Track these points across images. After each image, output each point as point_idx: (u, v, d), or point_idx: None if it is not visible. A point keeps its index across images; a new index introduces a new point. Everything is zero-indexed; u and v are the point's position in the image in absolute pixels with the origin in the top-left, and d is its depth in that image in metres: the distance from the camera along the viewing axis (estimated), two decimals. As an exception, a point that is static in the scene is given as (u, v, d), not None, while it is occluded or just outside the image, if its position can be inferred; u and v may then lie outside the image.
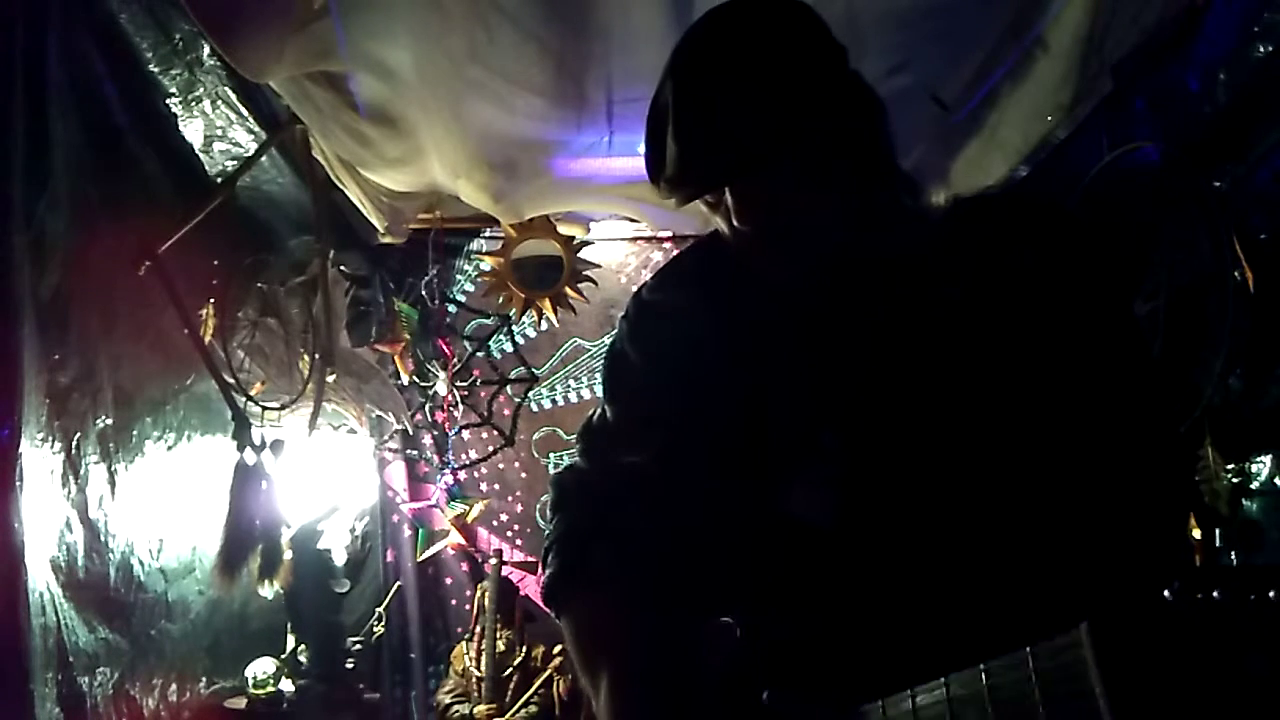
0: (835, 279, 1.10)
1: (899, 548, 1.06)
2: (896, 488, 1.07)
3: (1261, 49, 1.70)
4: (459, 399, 3.65)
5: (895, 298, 1.08)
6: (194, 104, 2.29)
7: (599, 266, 3.63)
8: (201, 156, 2.44)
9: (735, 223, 1.08)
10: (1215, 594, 0.67)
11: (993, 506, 1.03)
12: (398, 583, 3.61)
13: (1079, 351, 1.05)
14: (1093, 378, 1.04)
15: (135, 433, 2.27)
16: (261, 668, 2.86)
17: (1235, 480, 1.77)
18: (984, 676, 0.84)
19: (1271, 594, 0.65)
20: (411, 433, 3.72)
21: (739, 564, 1.16)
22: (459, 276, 3.76)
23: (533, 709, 3.20)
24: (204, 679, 2.63)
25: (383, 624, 3.46)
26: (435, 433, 3.71)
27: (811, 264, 1.09)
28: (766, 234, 1.08)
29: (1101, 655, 0.71)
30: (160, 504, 2.35)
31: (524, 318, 3.64)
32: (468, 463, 3.71)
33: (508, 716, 3.19)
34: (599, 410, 1.28)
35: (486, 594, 3.35)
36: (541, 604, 1.25)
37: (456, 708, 3.25)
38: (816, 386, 1.11)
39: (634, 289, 1.33)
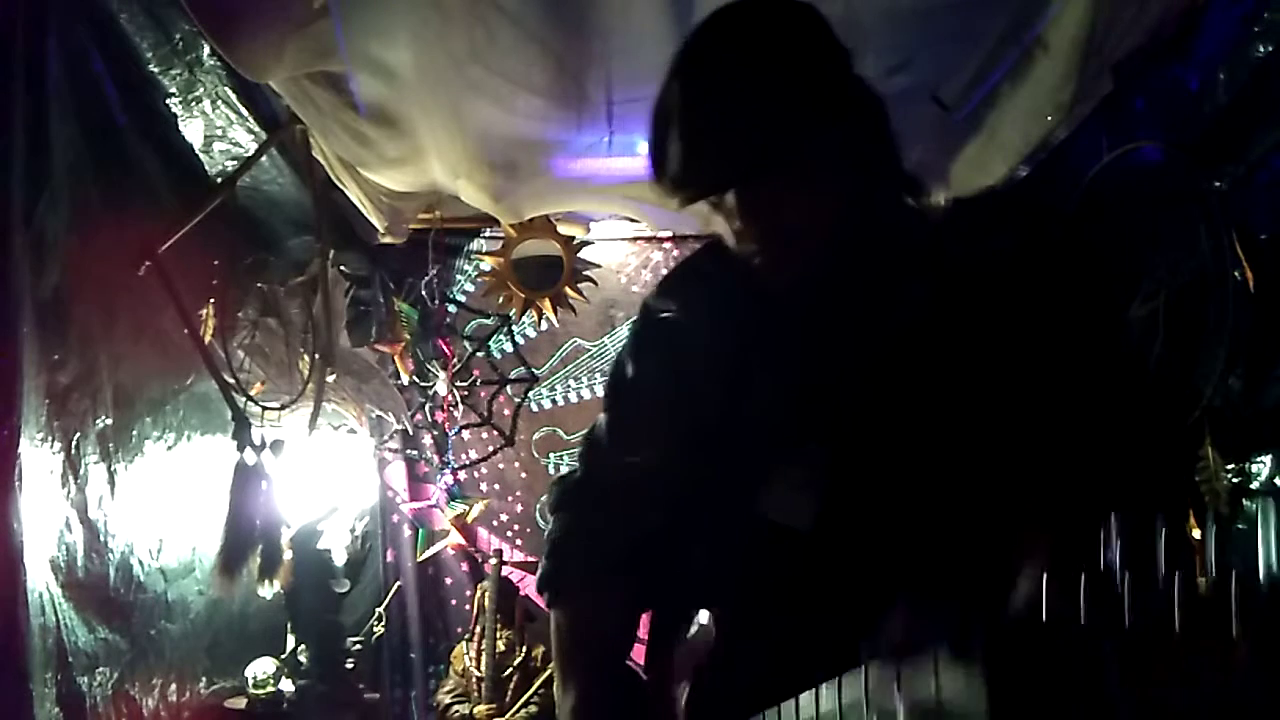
0: (832, 286, 1.10)
1: (876, 552, 1.07)
2: (877, 494, 1.08)
3: (1261, 49, 1.70)
4: (459, 399, 3.65)
5: (887, 306, 1.08)
6: (194, 104, 2.28)
7: (599, 266, 3.63)
8: (201, 156, 2.44)
9: (738, 225, 1.08)
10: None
11: (971, 513, 1.04)
12: (398, 583, 3.61)
13: (1063, 357, 1.05)
14: (1080, 383, 1.04)
15: (135, 433, 2.26)
16: (261, 668, 2.86)
17: (1235, 480, 1.77)
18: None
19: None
20: (411, 433, 3.72)
21: (718, 566, 1.20)
22: (459, 276, 3.76)
23: (533, 709, 3.20)
24: (204, 679, 2.63)
25: (383, 624, 3.45)
26: (435, 433, 3.71)
27: (810, 269, 1.09)
28: (768, 237, 1.08)
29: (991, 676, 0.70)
30: (160, 504, 2.35)
31: (524, 318, 3.63)
32: (468, 463, 3.71)
33: (508, 716, 3.19)
34: (601, 417, 1.34)
35: (486, 594, 3.35)
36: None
37: (456, 708, 3.25)
38: (805, 396, 1.12)
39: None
